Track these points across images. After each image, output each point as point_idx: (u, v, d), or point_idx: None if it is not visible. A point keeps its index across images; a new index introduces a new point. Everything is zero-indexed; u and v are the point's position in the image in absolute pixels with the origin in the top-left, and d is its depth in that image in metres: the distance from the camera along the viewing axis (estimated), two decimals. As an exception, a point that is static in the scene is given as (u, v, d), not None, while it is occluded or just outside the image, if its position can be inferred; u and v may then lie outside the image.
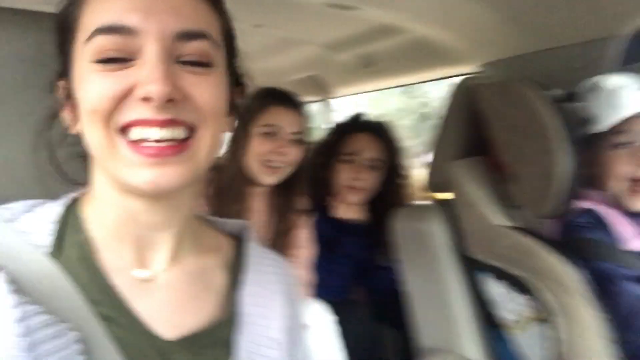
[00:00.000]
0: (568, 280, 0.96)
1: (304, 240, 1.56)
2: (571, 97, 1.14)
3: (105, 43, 0.47)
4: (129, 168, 0.48)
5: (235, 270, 0.65)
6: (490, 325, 1.21)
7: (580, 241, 1.01)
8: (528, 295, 1.04)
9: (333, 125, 1.90)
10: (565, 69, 1.25)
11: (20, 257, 0.49)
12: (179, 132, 0.49)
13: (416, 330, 1.34)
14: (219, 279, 0.63)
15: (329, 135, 1.83)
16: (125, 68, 0.48)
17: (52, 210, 0.55)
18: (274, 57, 2.05)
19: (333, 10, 1.45)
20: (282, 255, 1.46)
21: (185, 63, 0.50)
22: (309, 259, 1.55)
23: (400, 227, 1.36)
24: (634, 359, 0.92)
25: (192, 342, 0.55)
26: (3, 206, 0.54)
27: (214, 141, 0.53)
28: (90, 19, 0.48)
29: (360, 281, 1.78)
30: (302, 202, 1.57)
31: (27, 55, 0.64)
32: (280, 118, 1.38)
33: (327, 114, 2.50)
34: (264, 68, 2.16)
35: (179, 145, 0.49)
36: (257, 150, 1.36)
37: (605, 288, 0.96)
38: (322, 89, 2.32)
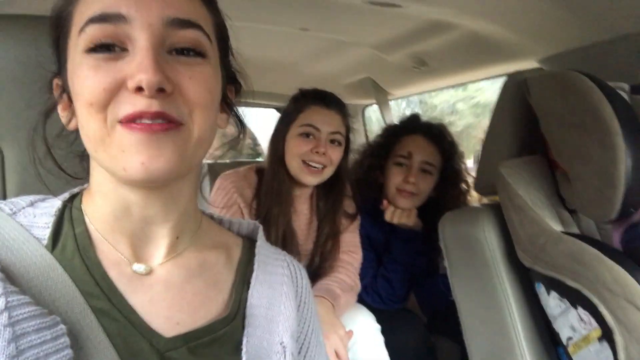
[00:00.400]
0: (629, 293, 0.84)
1: (352, 245, 1.52)
2: (637, 90, 1.01)
3: (97, 32, 0.48)
4: (122, 151, 0.48)
5: (243, 269, 0.64)
6: (548, 341, 1.10)
7: (645, 250, 0.88)
8: (586, 309, 0.93)
9: (387, 125, 1.86)
10: (633, 60, 1.12)
11: (17, 249, 0.50)
12: (168, 121, 0.49)
13: (467, 344, 1.25)
14: (224, 277, 0.62)
15: (381, 137, 1.79)
16: (117, 59, 0.48)
17: (51, 205, 0.57)
18: (324, 61, 2.03)
19: (377, 9, 1.41)
20: (328, 259, 1.46)
21: (178, 53, 0.50)
22: (357, 264, 1.51)
23: (449, 232, 1.28)
24: None
25: (191, 339, 0.54)
26: (6, 201, 0.56)
27: (202, 135, 0.52)
28: (83, 12, 0.50)
29: (414, 289, 1.71)
30: (349, 204, 1.54)
31: (24, 57, 0.67)
32: (317, 118, 1.38)
33: (385, 116, 2.44)
34: (315, 72, 2.15)
35: (171, 124, 0.49)
36: (296, 150, 1.37)
37: None
38: (377, 91, 2.28)
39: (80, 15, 0.50)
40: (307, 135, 1.37)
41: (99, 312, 0.50)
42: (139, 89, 0.47)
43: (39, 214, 0.55)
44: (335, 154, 1.39)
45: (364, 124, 2.65)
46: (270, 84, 2.49)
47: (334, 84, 2.31)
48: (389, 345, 1.36)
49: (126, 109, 0.47)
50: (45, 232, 0.53)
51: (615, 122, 0.87)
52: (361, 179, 1.69)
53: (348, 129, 1.46)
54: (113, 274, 0.53)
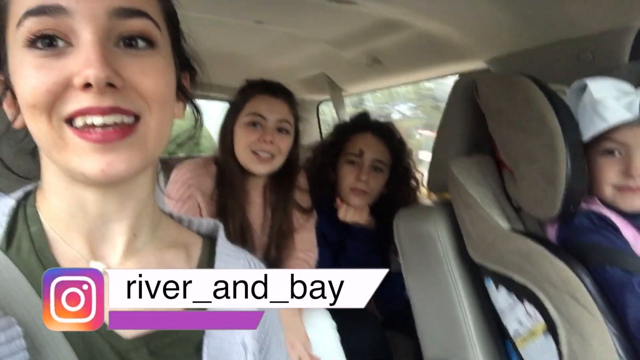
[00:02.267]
0: (570, 288, 0.89)
1: (308, 243, 1.52)
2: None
3: (36, 25, 0.45)
4: (78, 156, 0.46)
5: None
6: (497, 335, 1.15)
7: (584, 245, 0.93)
8: (532, 304, 0.97)
9: (337, 124, 1.87)
10: (572, 63, 1.18)
11: None
12: (122, 118, 0.47)
13: (420, 339, 1.28)
14: None
15: (332, 135, 1.79)
16: (61, 56, 0.46)
17: (4, 204, 0.55)
18: (279, 55, 2.01)
19: (333, 5, 1.41)
20: (283, 250, 1.45)
21: (126, 44, 0.48)
22: (313, 262, 1.51)
23: (403, 229, 1.31)
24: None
25: (151, 340, 0.53)
26: None
27: (161, 127, 0.51)
28: (19, 3, 0.46)
29: None
30: (304, 199, 1.54)
31: None
32: (263, 107, 1.38)
33: (339, 112, 2.45)
34: (269, 66, 2.13)
35: (125, 129, 0.47)
36: (244, 140, 1.36)
37: (612, 296, 0.88)
38: (331, 87, 2.28)
39: (17, 6, 0.47)
40: (254, 124, 1.37)
41: None
42: (87, 86, 0.44)
43: None
44: (284, 143, 1.39)
45: (319, 120, 2.65)
46: (222, 77, 2.44)
47: (288, 79, 2.28)
48: (344, 343, 1.37)
49: (72, 107, 0.45)
50: None
51: (558, 126, 0.91)
52: (314, 178, 1.68)
53: (297, 119, 1.47)
54: None
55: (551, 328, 0.91)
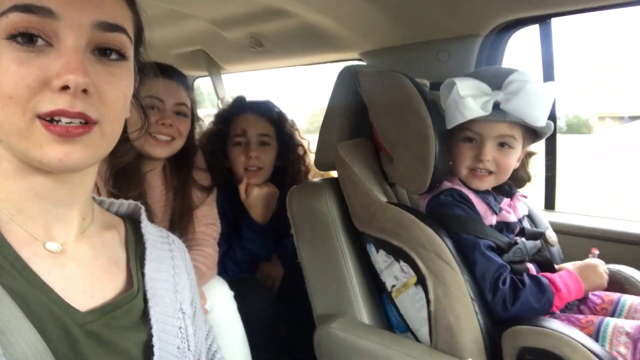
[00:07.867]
0: (436, 249, 1.11)
1: (211, 217, 1.56)
2: (436, 87, 1.29)
3: (20, 20, 0.48)
4: (40, 146, 0.50)
5: (133, 248, 0.69)
6: (375, 290, 1.35)
7: (447, 215, 1.17)
8: (406, 262, 1.18)
9: (217, 112, 1.89)
10: (432, 61, 1.41)
11: None
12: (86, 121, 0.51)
13: (312, 300, 1.43)
14: (119, 255, 0.66)
15: (214, 124, 1.82)
16: (40, 54, 0.48)
17: None
18: (159, 30, 1.97)
19: (220, -13, 1.45)
20: (185, 232, 1.46)
21: (99, 53, 0.52)
22: (216, 234, 1.55)
23: (296, 204, 1.42)
24: (491, 313, 1.09)
25: (105, 311, 0.58)
26: None
27: (114, 132, 0.57)
28: None
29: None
30: (204, 177, 1.57)
31: None
32: (161, 90, 1.35)
33: (218, 89, 2.47)
34: (148, 40, 2.05)
35: (86, 127, 0.51)
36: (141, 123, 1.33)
37: (466, 255, 1.13)
38: (210, 64, 2.29)
39: None
40: (152, 107, 1.35)
41: (16, 293, 0.51)
42: (64, 88, 0.48)
43: None
44: (183, 126, 1.40)
45: (194, 96, 2.63)
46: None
47: (164, 54, 2.24)
48: (240, 309, 1.47)
49: (47, 107, 0.49)
50: None
51: (428, 117, 1.12)
52: (209, 166, 1.67)
53: (193, 102, 1.48)
54: (25, 253, 0.54)
55: (421, 280, 1.14)
